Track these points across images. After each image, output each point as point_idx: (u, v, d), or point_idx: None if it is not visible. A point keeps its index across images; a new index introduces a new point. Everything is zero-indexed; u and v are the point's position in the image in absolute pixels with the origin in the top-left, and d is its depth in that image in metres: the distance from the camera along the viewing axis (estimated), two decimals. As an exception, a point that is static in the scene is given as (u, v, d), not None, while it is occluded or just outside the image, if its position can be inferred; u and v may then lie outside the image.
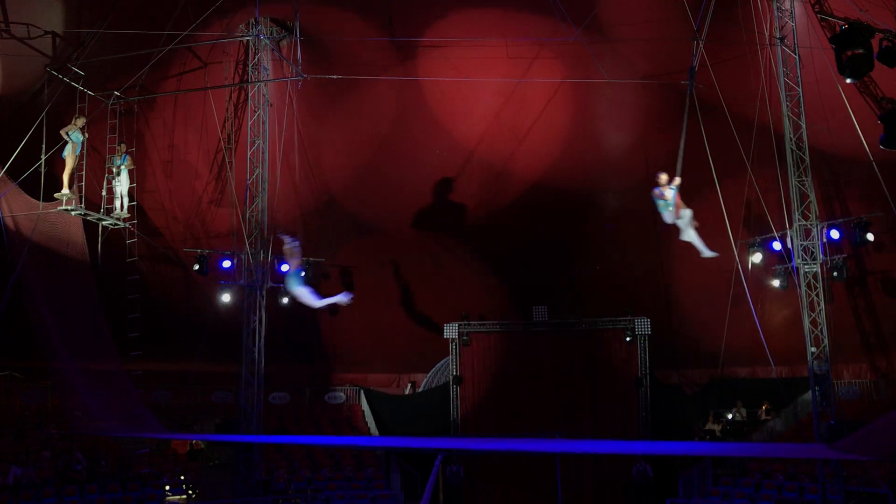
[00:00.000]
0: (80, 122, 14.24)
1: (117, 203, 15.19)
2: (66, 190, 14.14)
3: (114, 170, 15.19)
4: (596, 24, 15.77)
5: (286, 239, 12.25)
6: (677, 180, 11.68)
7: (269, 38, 16.93)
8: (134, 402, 15.71)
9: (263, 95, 17.47)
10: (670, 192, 11.80)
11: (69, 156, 14.13)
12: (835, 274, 15.99)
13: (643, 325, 19.87)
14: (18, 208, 14.20)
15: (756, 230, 16.91)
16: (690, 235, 12.41)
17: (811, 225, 15.87)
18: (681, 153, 11.76)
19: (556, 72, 17.32)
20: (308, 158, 18.74)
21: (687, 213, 12.12)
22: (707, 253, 12.64)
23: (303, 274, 12.25)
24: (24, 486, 15.19)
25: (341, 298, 12.12)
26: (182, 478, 17.42)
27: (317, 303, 12.12)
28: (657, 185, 11.80)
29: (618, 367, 20.23)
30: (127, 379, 15.56)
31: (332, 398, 21.67)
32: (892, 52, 10.60)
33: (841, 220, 16.29)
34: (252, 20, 16.35)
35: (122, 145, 15.38)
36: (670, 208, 11.90)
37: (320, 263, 19.18)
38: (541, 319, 20.33)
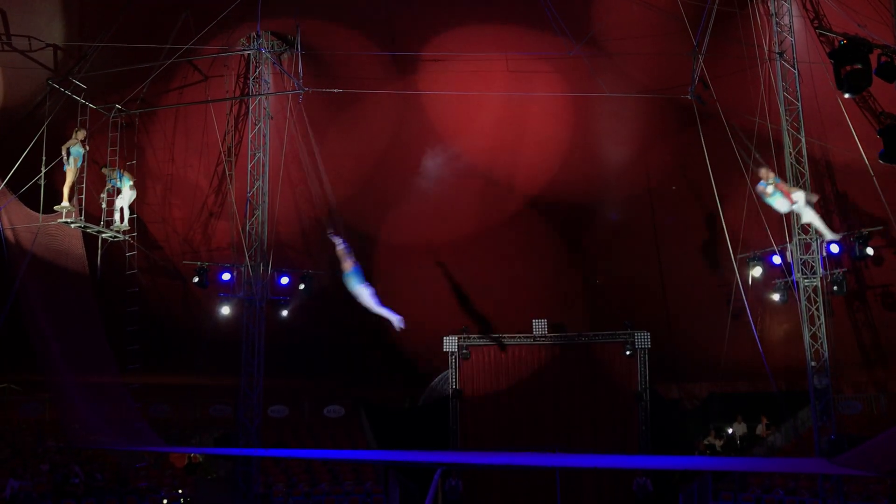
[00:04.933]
0: (81, 134, 14.27)
1: (117, 216, 15.21)
2: (66, 202, 14.15)
3: (117, 189, 15.16)
4: (596, 38, 15.83)
5: (337, 241, 12.38)
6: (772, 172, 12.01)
7: (270, 51, 16.99)
8: (132, 416, 15.65)
9: (264, 109, 17.51)
10: (772, 185, 12.02)
11: (70, 169, 14.15)
12: (835, 288, 15.98)
13: (643, 339, 19.85)
14: (18, 221, 14.21)
15: (756, 244, 16.94)
16: (811, 216, 12.52)
17: (811, 239, 15.87)
18: (753, 150, 11.96)
19: (556, 86, 17.37)
20: (308, 171, 18.75)
21: (800, 195, 12.26)
22: (829, 235, 12.72)
23: (360, 272, 12.40)
24: (22, 499, 15.14)
25: (396, 320, 12.28)
26: (180, 491, 17.36)
27: (375, 307, 12.28)
28: (760, 179, 12.02)
29: (618, 380, 20.19)
30: (125, 392, 15.51)
31: (331, 412, 21.61)
32: (890, 68, 10.62)
33: (841, 234, 16.31)
34: (253, 34, 16.41)
35: (107, 168, 15.28)
36: (781, 197, 12.09)
37: (321, 276, 19.19)
38: (540, 333, 20.31)
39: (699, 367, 19.80)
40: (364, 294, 12.31)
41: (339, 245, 12.35)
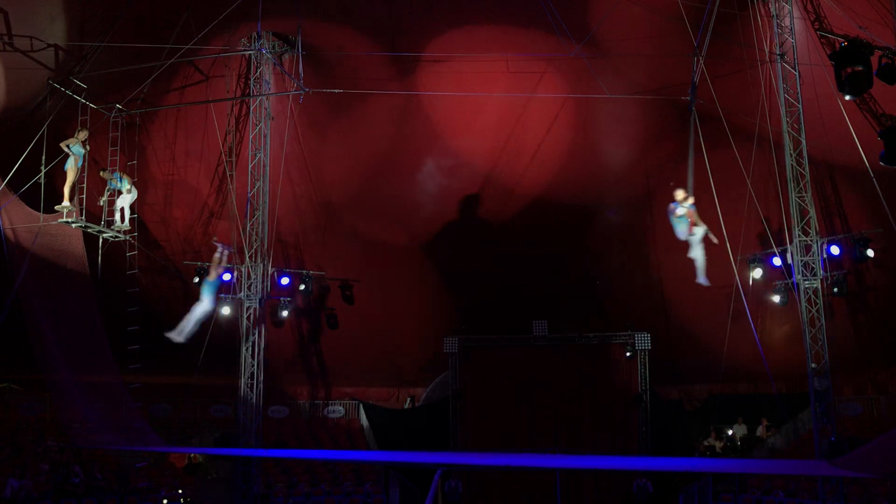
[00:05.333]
0: (83, 135, 14.26)
1: (117, 215, 15.20)
2: (66, 202, 14.15)
3: (118, 191, 15.14)
4: (596, 39, 15.83)
5: (219, 246, 12.27)
6: (691, 198, 11.79)
7: (271, 52, 17.00)
8: (133, 415, 15.66)
9: (265, 109, 17.53)
10: (683, 209, 11.89)
11: (70, 168, 14.15)
12: (835, 290, 15.98)
13: (643, 341, 19.85)
14: (19, 220, 14.21)
15: (756, 245, 16.93)
16: (697, 254, 12.43)
17: (811, 241, 15.87)
18: (690, 170, 11.84)
19: (557, 87, 17.38)
20: (309, 172, 18.77)
21: (701, 230, 12.16)
22: (701, 279, 12.69)
23: (217, 287, 12.44)
24: (22, 499, 15.13)
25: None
26: (180, 491, 17.35)
27: (192, 320, 12.27)
28: (674, 200, 11.88)
29: (618, 382, 20.19)
30: (126, 392, 15.51)
31: (331, 412, 21.61)
32: (891, 70, 10.64)
33: (841, 235, 16.29)
34: (254, 34, 16.43)
35: (106, 172, 15.25)
36: (685, 224, 11.98)
37: (321, 276, 19.21)
38: (541, 334, 20.31)
39: (699, 369, 19.79)
40: (204, 304, 12.31)
41: (219, 252, 12.28)
